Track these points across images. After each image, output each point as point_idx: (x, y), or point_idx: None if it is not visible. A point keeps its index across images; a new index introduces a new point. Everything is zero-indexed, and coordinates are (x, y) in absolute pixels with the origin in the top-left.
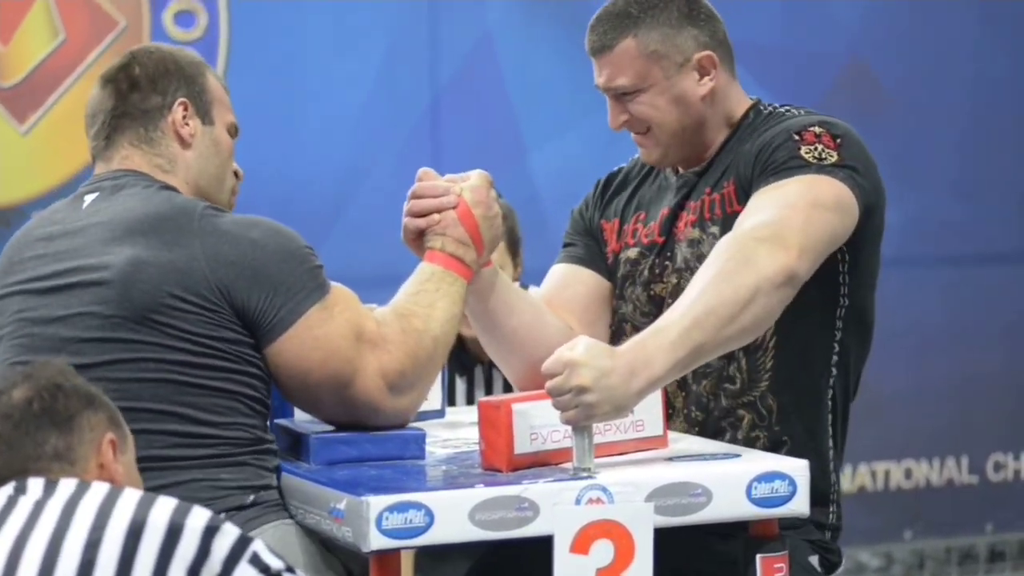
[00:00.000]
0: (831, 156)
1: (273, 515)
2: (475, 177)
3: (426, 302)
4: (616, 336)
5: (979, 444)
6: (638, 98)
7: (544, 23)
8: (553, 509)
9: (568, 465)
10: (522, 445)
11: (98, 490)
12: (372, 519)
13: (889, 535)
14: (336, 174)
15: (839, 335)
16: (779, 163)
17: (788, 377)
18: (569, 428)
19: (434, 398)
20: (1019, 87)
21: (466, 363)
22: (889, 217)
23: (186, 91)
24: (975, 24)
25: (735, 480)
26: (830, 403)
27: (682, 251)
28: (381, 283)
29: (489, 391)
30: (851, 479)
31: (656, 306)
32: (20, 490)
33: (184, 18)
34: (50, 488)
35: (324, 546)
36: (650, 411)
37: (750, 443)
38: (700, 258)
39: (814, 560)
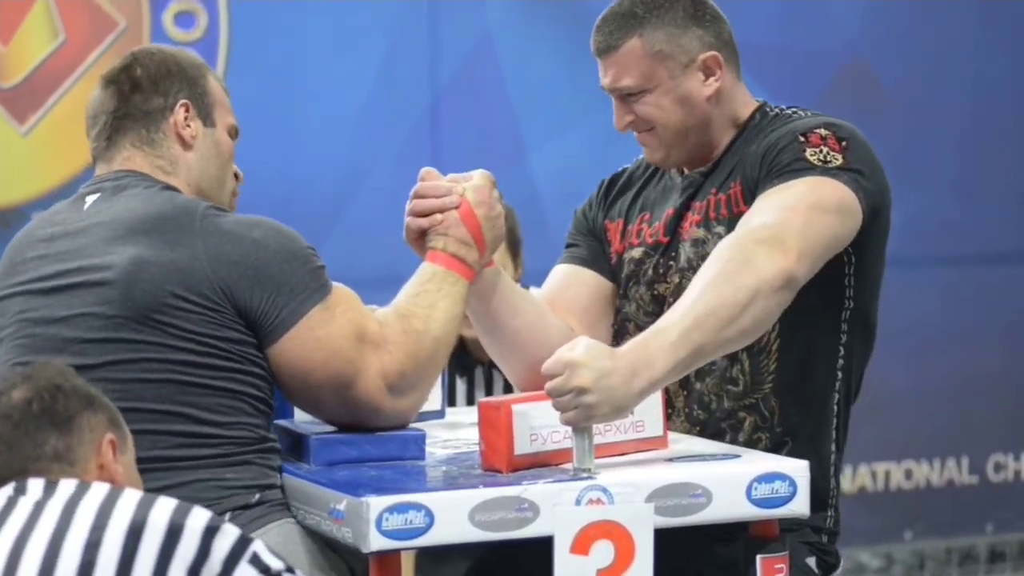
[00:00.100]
0: (836, 159)
1: (277, 514)
2: (478, 177)
3: (427, 303)
4: (619, 335)
5: (979, 444)
6: (643, 98)
7: (544, 23)
8: (553, 510)
9: (568, 466)
10: (522, 446)
11: (98, 491)
12: (372, 520)
13: (889, 536)
14: (336, 174)
15: (844, 338)
16: (784, 165)
17: (791, 380)
18: (569, 429)
19: (434, 399)
20: (1019, 87)
21: (466, 364)
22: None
23: (188, 93)
24: (975, 24)
25: (735, 481)
26: (835, 407)
27: (686, 251)
28: (381, 283)
29: (489, 392)
30: (851, 480)
31: (659, 305)
32: (20, 491)
33: (184, 19)
34: (50, 489)
35: (327, 545)
36: (650, 412)
37: (752, 445)
38: (704, 258)
39: (811, 562)
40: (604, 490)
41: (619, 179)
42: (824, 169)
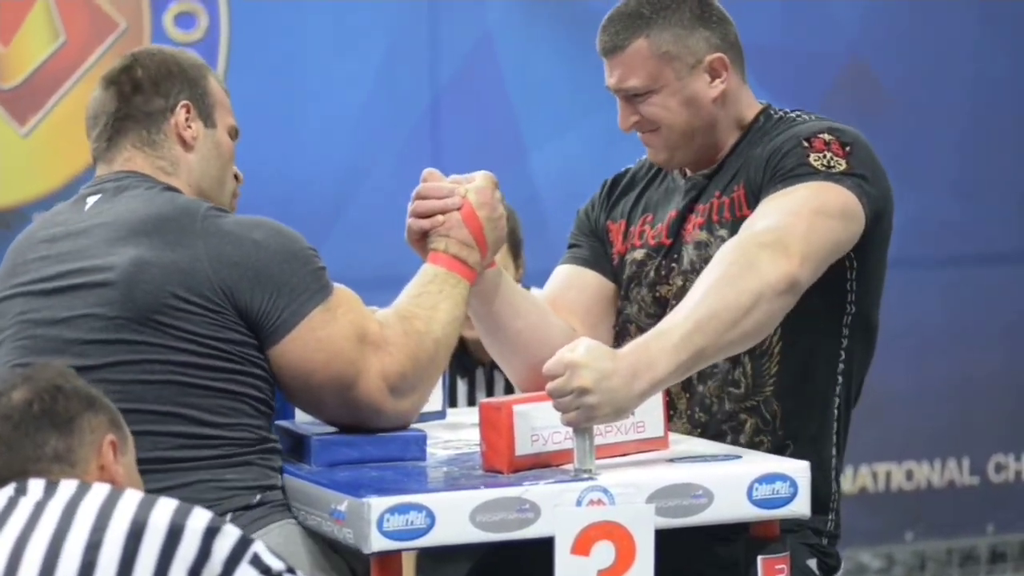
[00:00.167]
0: (839, 164)
1: (279, 515)
2: (480, 178)
3: (429, 304)
4: (620, 337)
5: (980, 445)
6: (649, 99)
7: (544, 23)
8: (554, 510)
9: (569, 466)
10: (523, 447)
11: (99, 491)
12: (373, 521)
13: (890, 536)
14: (336, 174)
15: (845, 342)
16: (787, 170)
17: (793, 383)
18: (570, 430)
19: (435, 400)
20: (1019, 87)
21: (467, 365)
22: None
23: (189, 94)
24: (975, 24)
25: (736, 481)
26: (836, 411)
27: (689, 253)
28: (381, 284)
29: (490, 393)
30: (852, 480)
31: (661, 308)
32: (20, 491)
33: (185, 19)
34: (50, 489)
35: (329, 546)
36: (651, 413)
37: (753, 447)
38: (707, 261)
39: (812, 563)
40: (605, 491)
41: (622, 179)
42: (828, 174)
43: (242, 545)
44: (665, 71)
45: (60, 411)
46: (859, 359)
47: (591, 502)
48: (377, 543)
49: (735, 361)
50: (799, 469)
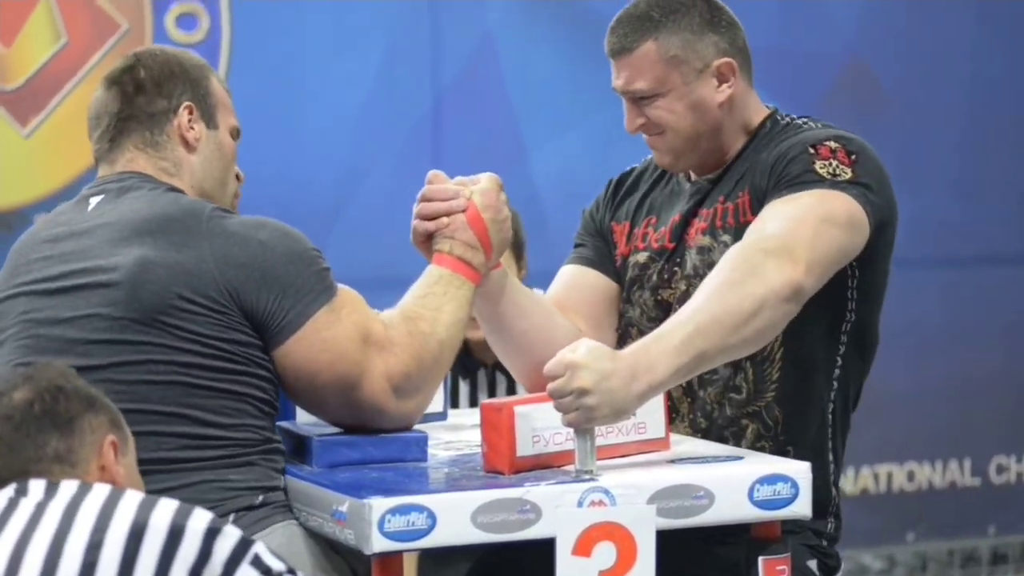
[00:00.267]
0: (845, 172)
1: (281, 515)
2: (485, 180)
3: (433, 305)
4: (622, 340)
5: (981, 446)
6: (655, 102)
7: (544, 23)
8: (555, 511)
9: (570, 467)
10: (524, 447)
11: (99, 492)
12: (374, 521)
13: (891, 537)
14: (336, 174)
15: (842, 349)
16: (793, 176)
17: (792, 389)
18: (571, 431)
19: (436, 401)
20: (1017, 87)
21: (469, 366)
22: None
23: (191, 95)
24: (973, 24)
25: (737, 482)
26: (830, 416)
27: (692, 258)
28: (381, 284)
29: (492, 394)
30: (854, 481)
31: (663, 311)
32: (21, 492)
33: (186, 20)
34: (51, 490)
35: (330, 547)
36: (652, 413)
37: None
38: (710, 266)
39: (812, 564)
40: (606, 492)
41: (626, 180)
42: (833, 182)
43: (243, 546)
44: (672, 75)
45: (61, 411)
46: (856, 366)
47: (592, 503)
48: (378, 544)
49: (736, 367)
50: (800, 470)
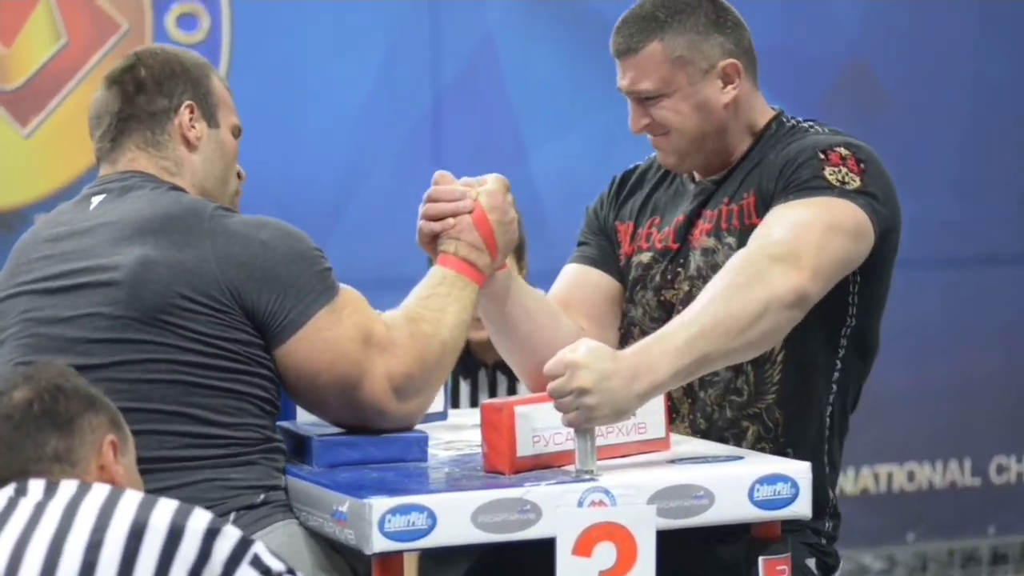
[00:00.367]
0: (854, 181)
1: (281, 515)
2: (492, 182)
3: (437, 306)
4: (624, 340)
5: (981, 446)
6: (661, 103)
7: (544, 23)
8: (555, 511)
9: (570, 467)
10: (524, 447)
11: (99, 492)
12: (375, 521)
13: (892, 537)
14: (336, 174)
15: (841, 352)
16: (802, 181)
17: (792, 391)
18: (571, 431)
19: (437, 401)
20: (1019, 87)
21: (470, 366)
22: None
23: (192, 93)
24: (975, 24)
25: (737, 482)
26: (828, 420)
27: (696, 259)
28: (381, 284)
29: (493, 394)
30: (854, 481)
31: (666, 312)
32: (21, 492)
33: (186, 21)
34: (51, 490)
35: (330, 546)
36: (652, 414)
37: None
38: (714, 267)
39: (811, 563)
40: (606, 492)
41: (630, 177)
42: (842, 191)
43: (242, 546)
44: (678, 75)
45: (61, 411)
46: (856, 370)
47: (592, 503)
48: (379, 544)
49: (738, 369)
50: (800, 470)
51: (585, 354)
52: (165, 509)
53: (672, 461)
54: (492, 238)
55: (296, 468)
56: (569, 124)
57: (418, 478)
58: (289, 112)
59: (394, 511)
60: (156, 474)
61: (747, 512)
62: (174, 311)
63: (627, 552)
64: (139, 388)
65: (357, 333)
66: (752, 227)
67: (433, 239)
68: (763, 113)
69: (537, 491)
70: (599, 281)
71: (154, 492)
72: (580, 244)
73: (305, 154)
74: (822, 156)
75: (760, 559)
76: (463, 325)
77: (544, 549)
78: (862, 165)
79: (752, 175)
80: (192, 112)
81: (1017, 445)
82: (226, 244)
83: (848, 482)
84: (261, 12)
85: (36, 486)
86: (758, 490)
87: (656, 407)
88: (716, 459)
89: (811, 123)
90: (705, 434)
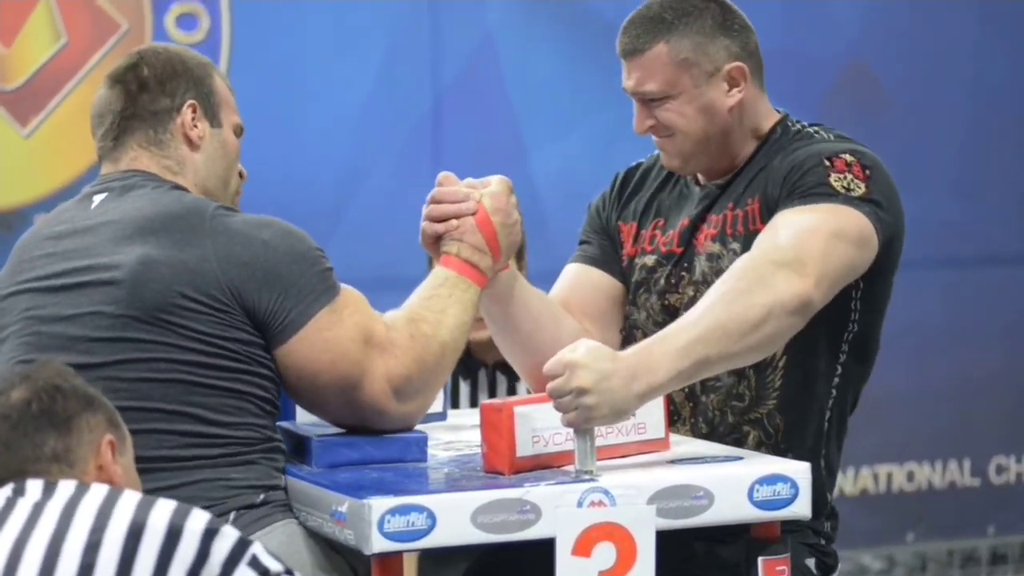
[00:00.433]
0: (859, 188)
1: (281, 514)
2: (495, 183)
3: (438, 307)
4: (626, 342)
5: (981, 446)
6: (665, 104)
7: (544, 23)
8: (555, 512)
9: (570, 468)
10: (524, 448)
11: (97, 492)
12: (374, 522)
13: (891, 537)
14: (336, 174)
15: (843, 357)
16: (807, 188)
17: (793, 396)
18: (571, 431)
19: (437, 401)
20: (1019, 88)
21: (470, 366)
22: None
23: (195, 93)
24: (975, 24)
25: (737, 483)
26: (827, 423)
27: (701, 264)
28: (381, 284)
29: (493, 394)
30: (853, 481)
31: (670, 316)
32: (19, 492)
33: (186, 21)
34: (49, 490)
35: (330, 546)
36: (652, 414)
37: None
38: (719, 272)
39: (811, 563)
40: (606, 492)
41: (633, 176)
42: (847, 198)
43: (240, 546)
44: (683, 78)
45: (59, 411)
46: (856, 373)
47: (592, 503)
48: (378, 544)
49: (740, 375)
50: (800, 470)
51: (584, 354)
52: (163, 509)
53: (672, 461)
54: (495, 240)
55: (296, 468)
56: (569, 124)
57: (418, 478)
58: (289, 112)
59: (393, 511)
60: (156, 473)
61: (747, 512)
62: (175, 310)
63: (627, 552)
64: (139, 387)
65: (358, 333)
66: (757, 233)
67: (436, 240)
68: (768, 117)
69: (537, 491)
70: (601, 281)
71: (154, 491)
72: (582, 243)
73: (305, 154)
74: (827, 163)
75: (760, 559)
76: (464, 326)
77: (544, 549)
78: (867, 172)
79: (757, 180)
80: (195, 111)
81: (1017, 445)
82: (227, 243)
83: (847, 482)
84: (261, 12)
85: (34, 486)
86: (758, 490)
87: (656, 408)
88: (715, 459)
89: (816, 128)
90: (706, 438)
